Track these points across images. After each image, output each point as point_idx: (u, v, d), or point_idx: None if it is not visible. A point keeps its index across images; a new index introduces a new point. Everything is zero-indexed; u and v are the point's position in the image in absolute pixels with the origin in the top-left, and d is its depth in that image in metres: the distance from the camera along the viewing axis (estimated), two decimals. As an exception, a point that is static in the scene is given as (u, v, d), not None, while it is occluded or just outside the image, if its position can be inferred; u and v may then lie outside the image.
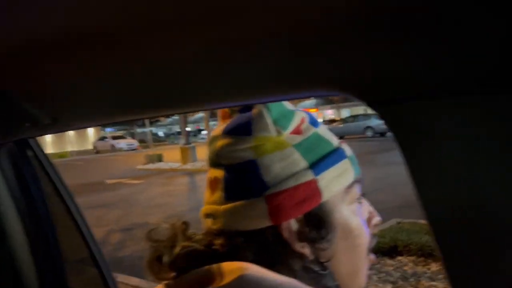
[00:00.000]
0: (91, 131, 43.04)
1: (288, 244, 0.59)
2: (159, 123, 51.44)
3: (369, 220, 0.67)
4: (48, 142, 39.63)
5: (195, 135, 41.84)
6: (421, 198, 0.36)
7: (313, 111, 46.52)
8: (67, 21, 0.41)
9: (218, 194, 0.63)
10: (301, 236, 0.59)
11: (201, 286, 0.54)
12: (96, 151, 36.12)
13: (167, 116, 0.67)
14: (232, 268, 0.53)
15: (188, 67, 0.48)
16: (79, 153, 36.33)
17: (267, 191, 0.59)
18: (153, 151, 24.76)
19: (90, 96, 0.62)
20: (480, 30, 0.30)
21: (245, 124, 0.63)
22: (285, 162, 0.60)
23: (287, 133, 0.62)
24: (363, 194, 0.67)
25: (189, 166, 16.35)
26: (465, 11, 0.29)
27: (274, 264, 0.57)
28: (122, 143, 35.02)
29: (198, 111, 0.62)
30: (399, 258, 4.51)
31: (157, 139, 48.14)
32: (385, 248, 4.58)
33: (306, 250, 0.59)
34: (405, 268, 4.30)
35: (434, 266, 4.20)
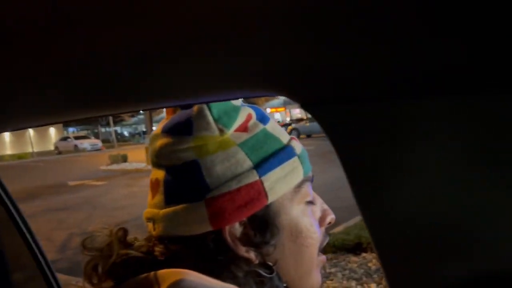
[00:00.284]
0: (52, 131, 41.81)
1: (231, 249, 0.56)
2: (124, 122, 50.50)
3: (322, 219, 0.65)
4: (7, 143, 38.20)
5: (161, 135, 41.12)
6: (356, 198, 0.36)
7: (280, 110, 47.21)
8: None
9: (159, 198, 0.60)
10: (246, 241, 0.57)
11: None
12: (58, 151, 35.07)
13: (103, 117, 0.62)
14: (169, 275, 0.51)
15: (120, 66, 0.45)
16: (40, 154, 35.17)
17: (208, 194, 0.56)
18: (117, 151, 24.27)
19: (25, 96, 0.58)
20: (410, 34, 0.29)
21: (185, 122, 0.60)
22: (228, 163, 0.57)
23: (231, 131, 0.59)
24: (315, 192, 0.65)
25: (154, 166, 15.99)
26: (394, 13, 0.28)
27: (216, 271, 0.54)
28: (85, 143, 34.18)
29: (135, 111, 0.59)
30: (364, 254, 4.59)
31: (122, 139, 47.28)
32: (349, 245, 4.65)
33: (251, 254, 0.57)
34: (369, 264, 4.37)
35: (397, 262, 4.29)
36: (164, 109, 0.68)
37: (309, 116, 0.39)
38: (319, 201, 0.66)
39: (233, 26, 0.33)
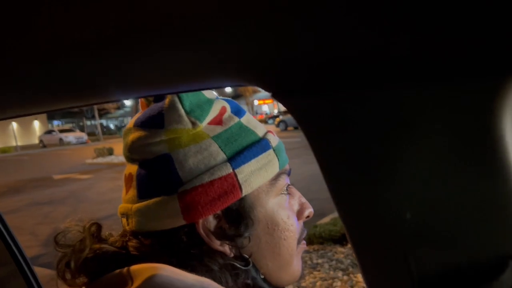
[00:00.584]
0: (36, 124, 41.28)
1: (206, 242, 0.56)
2: (109, 115, 50.06)
3: (300, 212, 0.65)
4: (-10, 137, 37.63)
5: (148, 127, 40.96)
6: (330, 190, 0.35)
7: (268, 102, 47.35)
8: None
9: (132, 192, 0.59)
10: (220, 234, 0.56)
11: None
12: (43, 145, 34.63)
13: (70, 108, 0.60)
14: (143, 270, 0.50)
15: (89, 57, 0.43)
16: (24, 147, 34.73)
17: (180, 187, 0.55)
18: (103, 144, 24.07)
19: None
20: (376, 21, 0.28)
21: (157, 116, 0.59)
22: (201, 156, 0.56)
23: (204, 124, 0.59)
24: (293, 184, 0.65)
25: (141, 159, 15.93)
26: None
27: (191, 264, 0.54)
28: (70, 137, 33.82)
29: (106, 102, 0.57)
30: (350, 245, 4.63)
31: (108, 132, 46.90)
32: (336, 236, 4.68)
33: (225, 248, 0.57)
34: (356, 255, 4.41)
35: (383, 252, 4.34)
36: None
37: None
38: (297, 194, 0.66)
39: (201, 15, 0.32)
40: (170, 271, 0.50)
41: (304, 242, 0.66)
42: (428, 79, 0.32)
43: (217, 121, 0.60)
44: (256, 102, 45.41)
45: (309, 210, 0.66)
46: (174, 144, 0.57)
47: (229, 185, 0.56)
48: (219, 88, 0.49)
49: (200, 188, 0.55)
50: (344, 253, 4.49)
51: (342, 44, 0.31)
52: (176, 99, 0.58)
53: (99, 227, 0.59)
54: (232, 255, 0.57)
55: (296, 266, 0.64)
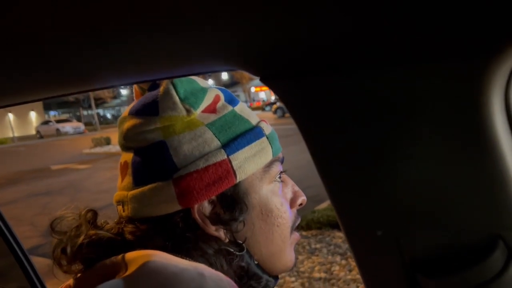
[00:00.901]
0: (33, 115, 41.07)
1: (201, 227, 0.57)
2: (106, 104, 49.84)
3: (293, 200, 0.66)
4: (-14, 128, 37.44)
5: (145, 116, 40.78)
6: (320, 174, 0.35)
7: (265, 89, 47.20)
8: None
9: (127, 180, 0.60)
10: (215, 219, 0.57)
11: (107, 278, 0.50)
12: (40, 136, 34.50)
13: (62, 96, 0.60)
14: (137, 256, 0.50)
15: (76, 45, 0.43)
16: (21, 138, 34.60)
17: (175, 173, 0.56)
18: (100, 134, 24.00)
19: None
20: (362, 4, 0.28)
21: (151, 103, 0.59)
22: (195, 142, 0.57)
23: (198, 111, 0.59)
24: (285, 171, 0.66)
25: (139, 148, 15.89)
26: None
27: (185, 248, 0.55)
28: (67, 127, 33.69)
29: (96, 90, 0.56)
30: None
31: (105, 122, 46.74)
32: (334, 221, 4.71)
33: (220, 233, 0.58)
34: (354, 239, 4.45)
35: (381, 236, 4.38)
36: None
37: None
38: (290, 182, 0.67)
39: (190, 0, 0.31)
40: (164, 257, 0.50)
41: (297, 233, 0.67)
42: (416, 60, 0.32)
43: (211, 109, 0.60)
44: (253, 89, 45.25)
45: (302, 198, 0.67)
46: (169, 131, 0.57)
47: (223, 171, 0.57)
48: (208, 73, 0.49)
49: (195, 173, 0.56)
50: (342, 238, 4.52)
51: (328, 28, 0.31)
52: (171, 87, 0.58)
53: (95, 214, 0.60)
54: (226, 240, 0.58)
55: (288, 255, 0.65)
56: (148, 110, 0.59)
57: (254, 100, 45.49)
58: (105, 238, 0.56)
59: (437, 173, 0.36)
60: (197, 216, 0.56)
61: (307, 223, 4.77)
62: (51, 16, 0.35)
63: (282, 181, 0.65)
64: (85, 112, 48.44)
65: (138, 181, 0.58)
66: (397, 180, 0.36)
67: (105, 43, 0.40)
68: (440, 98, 0.33)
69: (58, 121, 35.43)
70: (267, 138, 0.62)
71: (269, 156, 0.61)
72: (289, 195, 0.66)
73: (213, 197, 0.57)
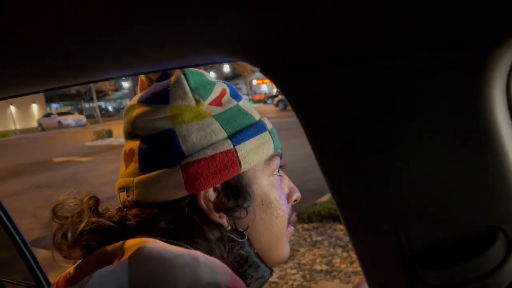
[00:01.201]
0: (35, 108, 41.07)
1: (206, 214, 0.58)
2: (107, 97, 49.79)
3: (289, 196, 0.69)
4: (-12, 121, 37.47)
5: (146, 109, 40.68)
6: (320, 165, 0.36)
7: (267, 82, 47.02)
8: None
9: (133, 166, 0.61)
10: (219, 207, 0.59)
11: (106, 264, 0.50)
12: (42, 128, 34.54)
13: (64, 88, 0.60)
14: (134, 243, 0.51)
15: (74, 37, 0.42)
16: (23, 131, 34.63)
17: (183, 160, 0.58)
18: (102, 126, 24.01)
19: None
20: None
21: (162, 92, 0.61)
22: (203, 132, 0.59)
23: (206, 103, 0.61)
24: (283, 167, 0.69)
25: (140, 141, 15.86)
26: None
27: (189, 234, 0.56)
28: (69, 119, 33.73)
29: (96, 82, 0.56)
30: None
31: (106, 114, 46.72)
32: (335, 214, 4.72)
33: (223, 220, 0.59)
34: (355, 232, 4.46)
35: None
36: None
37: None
38: (286, 179, 0.70)
39: None
40: (159, 244, 0.51)
41: (292, 227, 0.69)
42: (416, 52, 0.31)
43: (217, 102, 0.63)
44: (254, 82, 45.11)
45: (297, 194, 0.69)
46: (177, 120, 0.59)
47: (229, 160, 0.59)
48: (208, 64, 0.49)
49: (203, 161, 0.58)
50: (343, 230, 4.53)
51: (328, 20, 0.31)
52: (182, 76, 0.60)
53: (97, 201, 0.60)
54: (229, 227, 0.60)
55: (284, 247, 0.67)
56: (158, 99, 0.61)
57: (256, 93, 45.38)
58: (106, 225, 0.57)
59: (437, 166, 0.36)
60: (202, 202, 0.58)
61: (309, 216, 4.78)
62: (50, 7, 0.35)
63: (280, 175, 0.67)
64: (86, 105, 48.40)
65: (144, 168, 0.59)
66: (397, 172, 0.36)
67: (104, 34, 0.40)
68: (440, 90, 0.33)
69: (60, 114, 35.46)
70: (269, 132, 0.65)
71: (270, 150, 0.64)
72: (286, 190, 0.68)
73: (218, 185, 0.59)
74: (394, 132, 0.35)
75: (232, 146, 0.59)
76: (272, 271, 0.66)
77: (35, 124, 37.58)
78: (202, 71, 0.64)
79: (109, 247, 0.53)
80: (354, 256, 3.94)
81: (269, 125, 0.66)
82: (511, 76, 0.32)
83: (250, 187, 0.61)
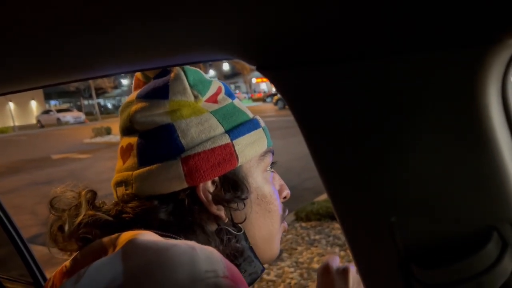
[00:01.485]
0: (34, 104, 41.00)
1: (204, 206, 0.60)
2: (107, 94, 49.70)
3: (280, 192, 0.71)
4: (-13, 117, 37.38)
5: (145, 106, 40.64)
6: (315, 161, 0.36)
7: (266, 80, 46.91)
8: None
9: (132, 161, 0.62)
10: (217, 198, 0.60)
11: (101, 257, 0.51)
12: (40, 125, 34.47)
13: (62, 84, 0.60)
14: (127, 236, 0.51)
15: (71, 33, 0.42)
16: (22, 128, 34.59)
17: (183, 154, 0.59)
18: (101, 123, 24.00)
19: None
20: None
21: (162, 87, 0.62)
22: (202, 127, 0.61)
23: (204, 99, 0.63)
24: (276, 163, 0.72)
25: (139, 138, 15.86)
26: None
27: (188, 225, 0.58)
28: (68, 116, 33.66)
29: (93, 78, 0.56)
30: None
31: (105, 111, 46.67)
32: (333, 213, 4.72)
33: (221, 212, 0.61)
34: (353, 231, 4.46)
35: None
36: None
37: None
38: (277, 176, 0.72)
39: None
40: (153, 235, 0.51)
41: (285, 223, 0.71)
42: (413, 49, 0.31)
43: (214, 99, 0.65)
44: (254, 80, 45.05)
45: (286, 192, 0.72)
46: (176, 115, 0.61)
47: (227, 153, 0.61)
48: (205, 61, 0.49)
49: (202, 154, 0.59)
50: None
51: (325, 18, 0.31)
52: (182, 72, 0.62)
53: (94, 194, 0.61)
54: (226, 220, 0.61)
55: (276, 243, 0.69)
56: (158, 94, 0.62)
57: (255, 92, 45.35)
58: (103, 219, 0.58)
59: (432, 163, 0.36)
60: (202, 194, 0.59)
61: (306, 215, 4.78)
62: (49, 2, 0.35)
63: (273, 171, 0.70)
64: (85, 102, 48.33)
65: (144, 161, 0.61)
66: (392, 172, 0.36)
67: (101, 30, 0.40)
68: (436, 89, 0.33)
69: (59, 111, 35.37)
70: (263, 129, 0.67)
71: (265, 145, 0.66)
72: (277, 186, 0.71)
73: (216, 178, 0.61)
74: (389, 131, 0.35)
75: (229, 140, 0.61)
76: (263, 269, 0.67)
77: (33, 121, 37.51)
78: (197, 69, 0.66)
79: (105, 239, 0.54)
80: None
81: (262, 123, 0.69)
82: (506, 75, 0.33)
83: (246, 180, 0.63)
